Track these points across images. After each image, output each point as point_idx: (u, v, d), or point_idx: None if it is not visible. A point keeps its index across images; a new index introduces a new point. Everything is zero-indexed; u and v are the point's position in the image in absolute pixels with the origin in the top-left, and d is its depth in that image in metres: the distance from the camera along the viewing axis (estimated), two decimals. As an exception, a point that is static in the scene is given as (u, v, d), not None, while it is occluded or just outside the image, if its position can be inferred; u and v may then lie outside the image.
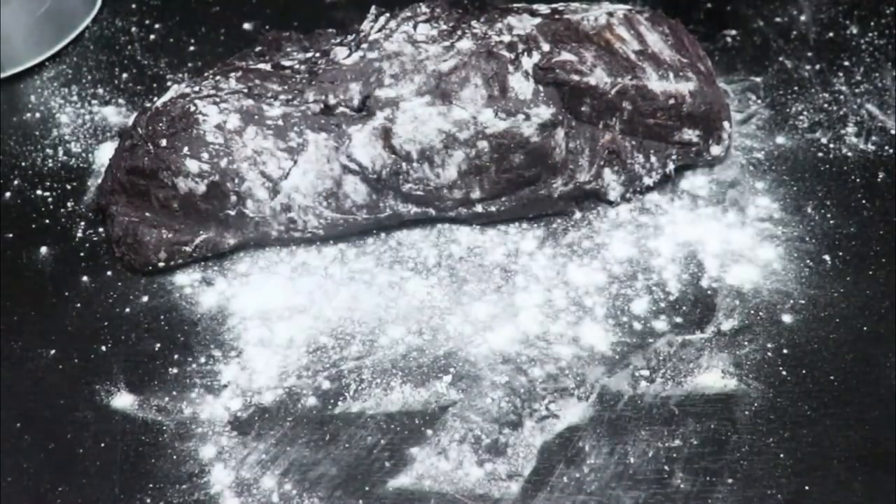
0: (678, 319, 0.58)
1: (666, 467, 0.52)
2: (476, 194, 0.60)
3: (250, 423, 0.54)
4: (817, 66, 0.72)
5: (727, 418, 0.53)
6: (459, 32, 0.60)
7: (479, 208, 0.61)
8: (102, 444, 0.53)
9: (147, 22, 0.78)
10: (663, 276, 0.60)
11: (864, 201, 0.63)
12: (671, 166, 0.63)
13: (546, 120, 0.59)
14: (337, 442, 0.53)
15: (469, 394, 0.55)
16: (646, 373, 0.55)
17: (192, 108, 0.59)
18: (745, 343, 0.57)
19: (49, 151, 0.68)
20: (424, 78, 0.58)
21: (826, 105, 0.69)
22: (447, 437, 0.53)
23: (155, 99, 0.64)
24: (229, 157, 0.58)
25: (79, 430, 0.54)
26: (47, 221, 0.64)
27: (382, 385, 0.55)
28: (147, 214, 0.60)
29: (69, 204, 0.65)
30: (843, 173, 0.65)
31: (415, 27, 0.61)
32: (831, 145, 0.67)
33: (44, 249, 0.62)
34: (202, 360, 0.56)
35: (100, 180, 0.64)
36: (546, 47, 0.60)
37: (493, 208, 0.61)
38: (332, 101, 0.59)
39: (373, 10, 0.63)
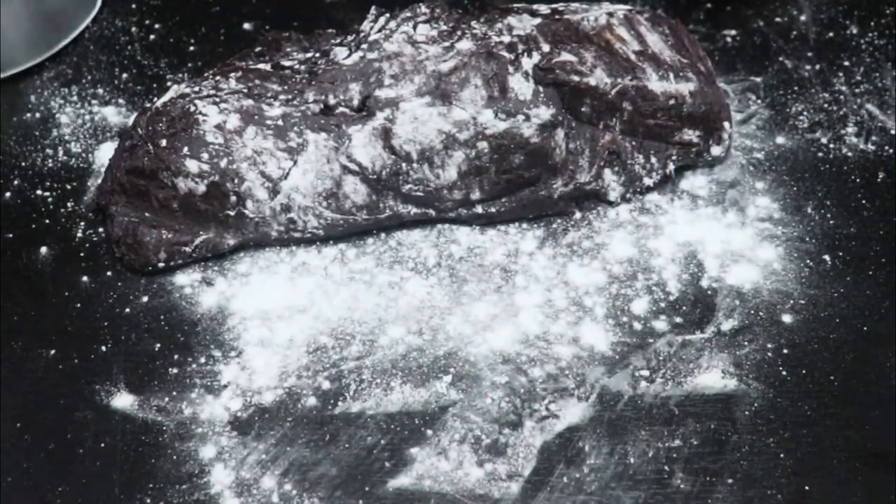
0: (678, 319, 0.58)
1: (666, 467, 0.52)
2: (476, 195, 0.60)
3: (250, 423, 0.54)
4: (817, 66, 0.72)
5: (727, 418, 0.53)
6: (459, 33, 0.60)
7: (479, 209, 0.61)
8: (102, 444, 0.53)
9: (147, 22, 0.78)
10: (663, 276, 0.60)
11: (864, 201, 0.63)
12: (671, 166, 0.63)
13: (546, 120, 0.58)
14: (337, 442, 0.53)
15: (469, 394, 0.55)
16: (646, 373, 0.55)
17: (192, 109, 0.59)
18: (745, 343, 0.57)
19: (49, 151, 0.68)
20: (424, 78, 0.58)
21: (826, 105, 0.69)
22: (447, 438, 0.53)
23: (155, 99, 0.64)
24: (229, 157, 0.58)
25: (79, 430, 0.54)
26: (47, 221, 0.64)
27: (382, 385, 0.55)
28: (147, 215, 0.60)
29: (69, 204, 0.65)
30: (843, 173, 0.65)
31: (415, 27, 0.61)
32: (831, 145, 0.67)
33: (44, 249, 0.62)
34: (202, 360, 0.56)
35: (100, 180, 0.64)
36: (546, 48, 0.60)
37: (493, 209, 0.61)
38: (331, 101, 0.59)
39: (373, 10, 0.63)
